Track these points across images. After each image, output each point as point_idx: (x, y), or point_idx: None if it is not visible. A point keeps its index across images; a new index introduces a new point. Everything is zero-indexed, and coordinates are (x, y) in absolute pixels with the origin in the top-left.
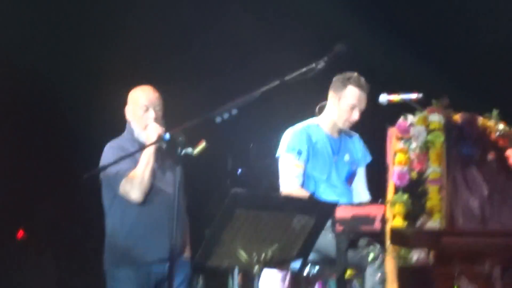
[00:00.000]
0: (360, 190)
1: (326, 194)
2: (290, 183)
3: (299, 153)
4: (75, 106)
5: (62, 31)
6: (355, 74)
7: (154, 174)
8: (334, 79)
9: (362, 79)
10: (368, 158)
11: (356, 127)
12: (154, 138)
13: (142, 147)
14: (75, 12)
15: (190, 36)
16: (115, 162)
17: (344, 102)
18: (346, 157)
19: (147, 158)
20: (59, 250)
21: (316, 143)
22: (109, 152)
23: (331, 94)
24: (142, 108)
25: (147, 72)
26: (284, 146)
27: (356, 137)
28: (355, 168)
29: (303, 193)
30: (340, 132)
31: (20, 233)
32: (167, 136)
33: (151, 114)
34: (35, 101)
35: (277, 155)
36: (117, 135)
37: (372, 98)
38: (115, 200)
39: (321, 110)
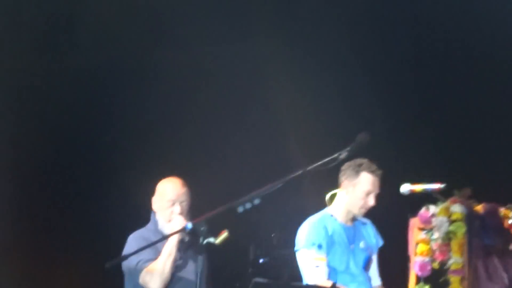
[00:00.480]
0: (372, 276)
1: (346, 284)
2: (318, 278)
3: (320, 247)
4: (97, 194)
5: (87, 117)
6: (366, 160)
7: (175, 266)
8: (344, 167)
9: (374, 165)
10: (380, 243)
11: (376, 215)
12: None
13: (164, 237)
14: (98, 99)
15: (213, 126)
16: (136, 252)
17: (359, 190)
18: (362, 245)
19: (169, 250)
20: None
21: (333, 234)
22: (132, 242)
23: (345, 183)
24: (169, 201)
25: (171, 161)
26: (303, 241)
27: (368, 223)
28: (371, 254)
29: None
30: (354, 220)
31: None
32: (190, 225)
33: (177, 209)
34: (57, 187)
35: (296, 248)
36: (141, 224)
37: (394, 187)
38: None
39: (331, 199)
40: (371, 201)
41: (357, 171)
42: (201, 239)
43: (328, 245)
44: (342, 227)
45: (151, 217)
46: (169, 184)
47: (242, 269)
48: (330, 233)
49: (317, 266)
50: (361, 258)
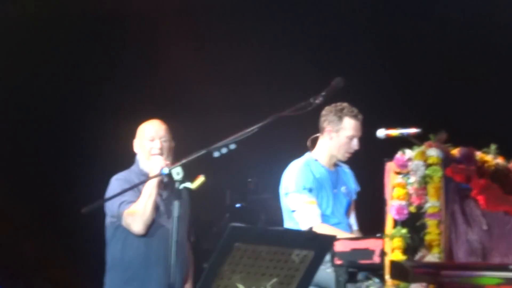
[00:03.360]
0: (351, 222)
1: None
2: (312, 221)
3: (310, 190)
4: (80, 139)
5: (71, 63)
6: (346, 104)
7: (156, 207)
8: (325, 112)
9: (355, 109)
10: (357, 188)
11: (351, 160)
12: (157, 170)
13: (146, 179)
14: (81, 47)
15: (188, 73)
16: (118, 194)
17: (342, 135)
18: (343, 189)
19: (149, 191)
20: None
21: (319, 178)
22: (115, 184)
23: (328, 128)
24: (147, 139)
25: (152, 107)
26: (292, 185)
27: (347, 168)
28: (351, 198)
29: (331, 230)
30: (336, 165)
31: None
32: (166, 170)
33: (156, 144)
34: (39, 130)
35: (284, 192)
36: (122, 169)
37: (369, 132)
38: (117, 231)
39: (313, 143)
40: (355, 145)
41: (339, 116)
42: (177, 184)
43: (317, 188)
44: (327, 171)
45: (135, 160)
46: (148, 124)
47: (219, 214)
48: (317, 177)
49: (311, 210)
50: (343, 203)
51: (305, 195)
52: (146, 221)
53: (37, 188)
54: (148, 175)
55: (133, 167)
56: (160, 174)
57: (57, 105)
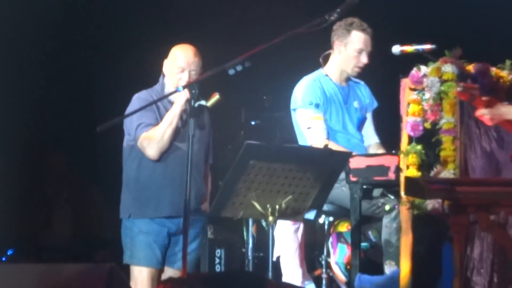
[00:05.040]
0: (369, 134)
1: (343, 144)
2: (317, 136)
3: (317, 106)
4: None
5: None
6: (356, 19)
7: (175, 135)
8: (335, 26)
9: (364, 23)
10: (375, 104)
11: (367, 76)
12: (182, 101)
13: (159, 98)
14: None
15: None
16: (133, 112)
17: (350, 48)
18: (356, 104)
19: (171, 119)
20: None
21: (329, 94)
22: (136, 102)
23: (336, 43)
24: (178, 68)
25: (172, 28)
26: (299, 100)
27: (362, 83)
28: (365, 114)
29: (334, 146)
30: (347, 80)
31: None
32: (181, 88)
33: (185, 76)
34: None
35: (292, 108)
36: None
37: (385, 49)
38: (133, 151)
39: (326, 60)
40: (364, 59)
41: (348, 30)
42: (192, 102)
43: (325, 104)
44: (337, 87)
45: (160, 79)
46: (181, 51)
47: (234, 131)
48: (326, 92)
49: (316, 125)
50: (355, 118)
51: (311, 110)
52: (162, 148)
53: (58, 104)
54: (171, 102)
55: (156, 86)
56: (176, 91)
57: (79, 25)
